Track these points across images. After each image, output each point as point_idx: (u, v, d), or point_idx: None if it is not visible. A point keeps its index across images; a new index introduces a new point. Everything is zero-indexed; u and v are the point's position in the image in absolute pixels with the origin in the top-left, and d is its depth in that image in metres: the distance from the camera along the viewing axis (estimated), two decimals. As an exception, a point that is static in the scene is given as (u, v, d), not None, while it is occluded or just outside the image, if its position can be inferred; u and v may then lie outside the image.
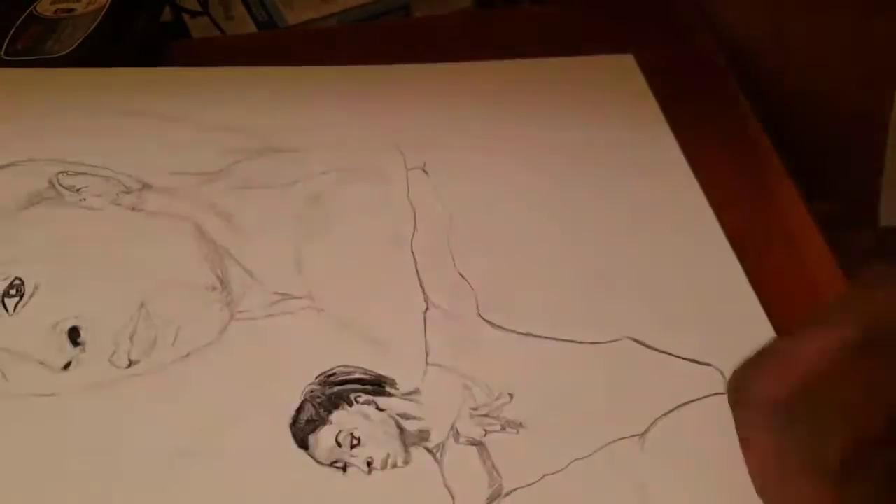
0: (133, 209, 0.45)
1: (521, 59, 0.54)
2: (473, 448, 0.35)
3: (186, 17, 0.64)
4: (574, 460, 0.35)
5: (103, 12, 0.57)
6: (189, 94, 0.53)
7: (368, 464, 0.35)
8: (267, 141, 0.49)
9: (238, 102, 0.52)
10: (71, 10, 0.57)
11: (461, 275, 0.42)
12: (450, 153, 0.49)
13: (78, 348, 0.39)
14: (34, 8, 0.58)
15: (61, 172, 0.46)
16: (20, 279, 0.41)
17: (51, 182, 0.46)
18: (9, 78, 0.53)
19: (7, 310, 0.40)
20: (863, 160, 0.50)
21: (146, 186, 0.46)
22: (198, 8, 0.64)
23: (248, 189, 0.46)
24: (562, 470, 0.35)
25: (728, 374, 0.37)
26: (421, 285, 0.42)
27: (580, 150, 0.49)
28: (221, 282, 0.41)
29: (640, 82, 0.53)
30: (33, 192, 0.45)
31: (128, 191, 0.46)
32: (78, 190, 0.46)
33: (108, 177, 0.46)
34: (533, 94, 0.52)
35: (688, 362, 0.38)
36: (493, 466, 0.35)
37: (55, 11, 0.57)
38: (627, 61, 0.54)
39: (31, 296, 0.40)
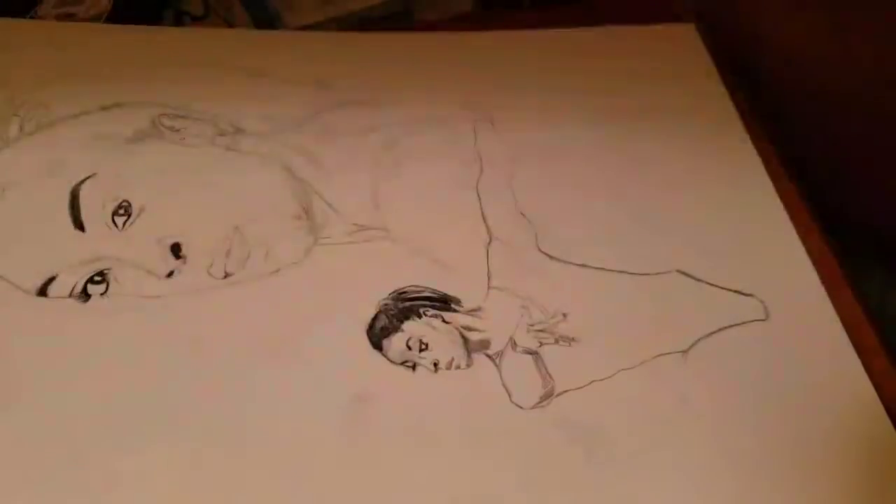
0: (228, 149, 0.50)
1: (583, 27, 0.58)
2: (529, 356, 0.39)
3: (187, 21, 0.65)
4: (621, 370, 0.39)
5: (104, 17, 0.59)
6: (270, 53, 0.57)
7: (435, 364, 0.39)
8: (345, 95, 0.54)
9: (317, 61, 0.56)
10: (72, 15, 0.59)
11: (522, 214, 0.46)
12: (514, 111, 0.53)
13: (179, 260, 0.43)
14: (35, 12, 0.60)
15: (163, 114, 0.51)
16: (128, 201, 0.46)
17: (153, 122, 0.51)
18: (108, 35, 0.58)
19: (117, 226, 0.45)
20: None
21: (239, 130, 0.51)
22: (199, 12, 0.65)
23: (329, 135, 0.51)
24: (609, 377, 0.38)
25: (769, 305, 0.41)
26: (485, 221, 0.46)
27: (638, 111, 0.52)
28: (306, 212, 0.46)
29: (699, 51, 0.56)
30: (138, 130, 0.50)
31: (223, 133, 0.51)
32: (178, 130, 0.51)
33: (205, 120, 0.51)
34: (596, 58, 0.56)
35: (732, 293, 0.42)
36: (547, 371, 0.39)
37: (57, 16, 0.59)
38: (688, 31, 0.57)
39: (138, 215, 0.45)
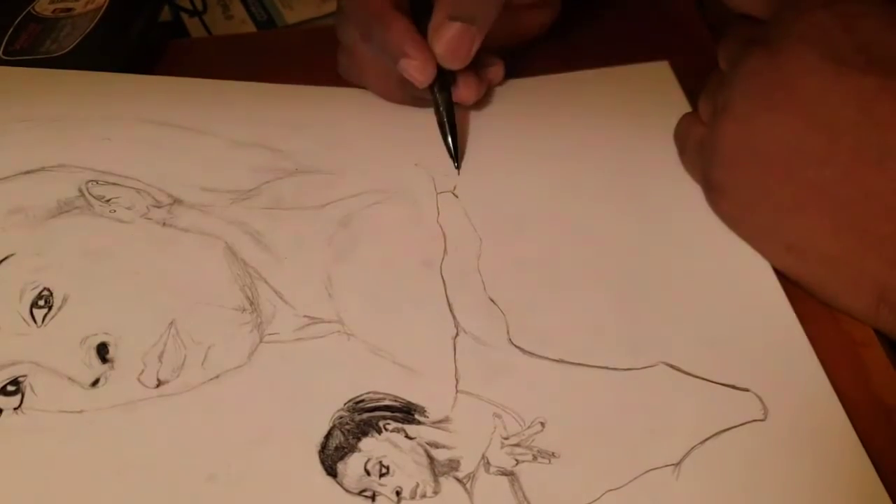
0: (163, 224, 0.45)
1: (552, 74, 0.53)
2: (504, 478, 0.35)
3: (185, 16, 0.64)
4: (608, 491, 0.34)
5: (101, 12, 0.57)
6: (222, 107, 0.52)
7: (397, 493, 0.34)
8: (298, 161, 0.49)
9: (270, 120, 0.51)
10: (69, 10, 0.57)
11: (491, 299, 0.42)
12: (480, 175, 0.48)
13: (106, 365, 0.38)
14: (32, 7, 0.58)
15: (91, 181, 0.46)
16: (49, 290, 0.41)
17: (80, 191, 0.46)
18: (34, 79, 0.53)
19: (36, 321, 0.40)
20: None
21: (177, 201, 0.46)
22: (196, 7, 0.64)
23: (278, 210, 0.46)
24: (595, 501, 0.34)
25: (767, 400, 0.37)
26: (451, 310, 0.41)
27: (615, 168, 0.48)
28: (251, 303, 0.41)
29: (676, 93, 0.52)
30: (63, 200, 0.45)
31: (158, 205, 0.46)
32: (108, 200, 0.45)
33: (139, 189, 0.46)
34: (565, 109, 0.52)
35: (724, 388, 0.38)
36: (525, 497, 0.34)
37: (53, 11, 0.57)
38: (663, 69, 0.53)
39: (60, 308, 0.40)
